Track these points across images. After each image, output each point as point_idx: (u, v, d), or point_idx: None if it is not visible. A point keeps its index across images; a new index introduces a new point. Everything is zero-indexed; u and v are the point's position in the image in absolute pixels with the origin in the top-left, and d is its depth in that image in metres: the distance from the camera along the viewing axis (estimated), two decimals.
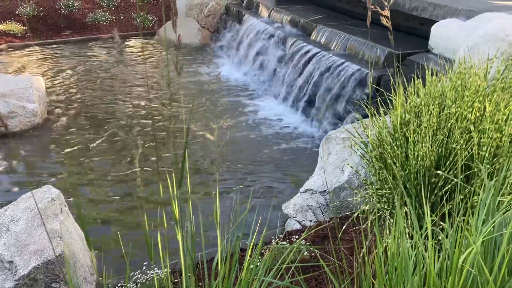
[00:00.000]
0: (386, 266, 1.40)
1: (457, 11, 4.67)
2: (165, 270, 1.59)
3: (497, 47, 3.32)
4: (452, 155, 2.03)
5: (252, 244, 1.69)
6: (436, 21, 4.71)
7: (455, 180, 1.92)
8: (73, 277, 2.54)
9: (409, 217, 2.03)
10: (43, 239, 2.49)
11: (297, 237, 2.75)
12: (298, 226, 3.09)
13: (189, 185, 1.65)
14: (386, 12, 1.43)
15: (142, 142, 5.07)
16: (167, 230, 1.53)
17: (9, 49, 8.43)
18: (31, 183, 4.23)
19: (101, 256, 3.16)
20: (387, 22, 1.45)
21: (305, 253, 2.43)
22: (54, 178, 4.31)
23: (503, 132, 1.97)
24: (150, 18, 9.87)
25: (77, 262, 2.64)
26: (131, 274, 2.57)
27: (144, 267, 2.66)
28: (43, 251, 2.43)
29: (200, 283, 2.28)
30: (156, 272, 2.48)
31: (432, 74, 2.52)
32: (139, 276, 2.53)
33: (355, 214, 2.42)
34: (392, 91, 2.38)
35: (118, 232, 3.53)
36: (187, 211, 1.58)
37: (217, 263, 1.60)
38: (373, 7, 1.43)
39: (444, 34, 4.44)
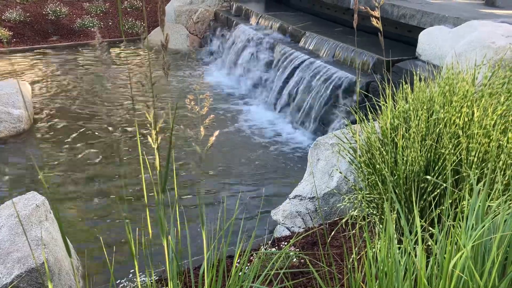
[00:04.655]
0: (376, 271, 1.38)
1: (444, 18, 4.72)
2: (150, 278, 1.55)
3: (484, 54, 3.35)
4: (441, 160, 2.03)
5: (239, 250, 1.66)
6: (424, 29, 4.75)
7: (444, 185, 1.91)
8: (57, 285, 2.48)
9: (398, 223, 2.03)
10: (27, 247, 2.43)
11: (286, 243, 2.72)
12: (287, 233, 3.07)
13: (175, 189, 1.63)
14: (376, 13, 1.42)
15: (127, 148, 5.02)
16: (156, 236, 1.50)
17: None
18: (15, 190, 4.15)
19: (85, 263, 3.10)
20: (377, 23, 1.43)
21: (294, 260, 2.40)
22: (38, 184, 4.24)
23: (491, 137, 1.97)
24: (139, 24, 9.83)
25: (62, 269, 2.58)
26: (117, 282, 2.52)
27: (131, 275, 2.61)
28: (27, 259, 2.38)
29: None
30: (143, 280, 2.44)
31: (420, 80, 2.53)
32: (125, 284, 2.49)
33: (344, 220, 2.41)
34: (381, 97, 2.38)
35: (105, 239, 3.47)
36: (173, 217, 1.55)
37: (204, 270, 1.56)
38: (362, 7, 1.42)
39: (432, 41, 4.47)
